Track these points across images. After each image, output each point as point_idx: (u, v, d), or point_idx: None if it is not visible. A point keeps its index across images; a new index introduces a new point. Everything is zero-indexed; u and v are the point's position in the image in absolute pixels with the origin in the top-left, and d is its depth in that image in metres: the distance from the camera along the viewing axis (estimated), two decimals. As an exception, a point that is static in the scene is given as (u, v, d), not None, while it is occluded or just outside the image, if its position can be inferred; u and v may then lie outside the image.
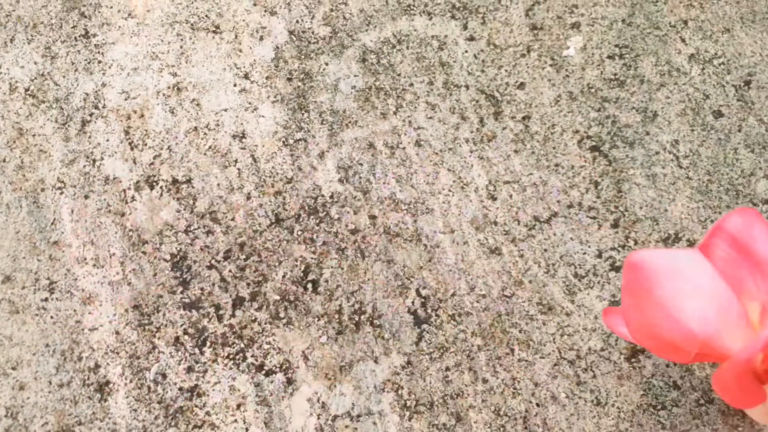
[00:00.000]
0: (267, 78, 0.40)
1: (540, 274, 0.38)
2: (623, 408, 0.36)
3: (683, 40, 0.41)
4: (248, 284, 0.38)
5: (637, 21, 0.41)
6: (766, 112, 0.40)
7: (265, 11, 0.41)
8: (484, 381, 0.36)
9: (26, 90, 0.41)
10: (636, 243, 0.38)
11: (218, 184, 0.39)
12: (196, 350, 0.37)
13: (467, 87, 0.40)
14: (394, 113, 0.39)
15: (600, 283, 0.38)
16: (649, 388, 0.37)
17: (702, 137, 0.40)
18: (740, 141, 0.40)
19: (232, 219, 0.38)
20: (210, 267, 0.38)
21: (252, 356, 0.37)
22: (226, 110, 0.39)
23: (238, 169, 0.39)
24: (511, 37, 0.41)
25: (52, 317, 0.37)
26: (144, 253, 0.38)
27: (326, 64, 0.40)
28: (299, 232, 0.38)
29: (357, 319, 0.37)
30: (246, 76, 0.40)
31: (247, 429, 0.34)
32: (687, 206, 0.39)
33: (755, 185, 0.39)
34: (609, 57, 0.41)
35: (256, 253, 0.38)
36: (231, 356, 0.37)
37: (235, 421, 0.35)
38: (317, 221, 0.38)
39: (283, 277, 0.38)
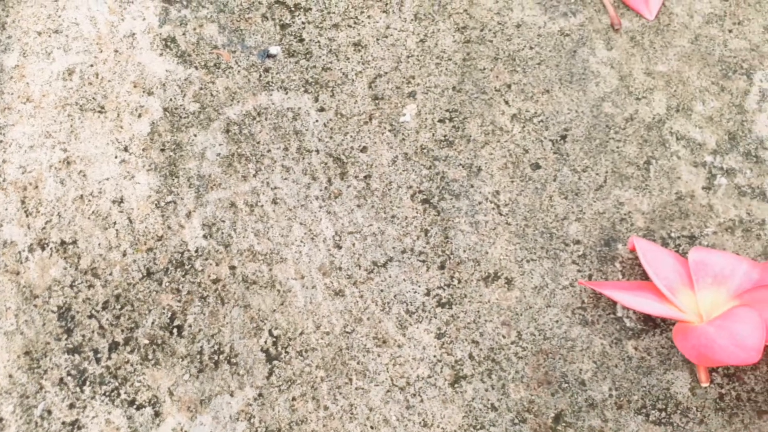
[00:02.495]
0: (143, 150, 0.45)
1: (377, 311, 0.43)
2: (447, 428, 0.41)
3: (507, 102, 0.47)
4: (122, 330, 0.43)
5: (466, 87, 0.47)
6: (579, 163, 0.46)
7: (144, 92, 0.47)
8: (326, 408, 0.41)
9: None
10: (459, 282, 0.43)
11: (99, 244, 0.44)
12: (78, 389, 0.42)
13: (317, 151, 0.46)
14: (254, 176, 0.45)
15: (428, 318, 0.43)
16: (470, 410, 0.41)
17: (521, 187, 0.45)
18: (555, 189, 0.45)
19: (110, 274, 0.43)
20: (90, 316, 0.43)
21: (125, 393, 0.42)
22: (107, 179, 0.45)
23: (116, 230, 0.44)
24: (356, 107, 0.46)
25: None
26: (35, 306, 0.43)
27: (195, 135, 0.46)
28: (167, 284, 0.43)
29: (216, 358, 0.42)
30: (126, 149, 0.46)
31: (117, 458, 0.39)
32: (505, 248, 0.44)
33: (567, 228, 0.45)
34: (440, 121, 0.46)
35: (129, 303, 0.43)
36: (107, 393, 0.42)
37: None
38: (183, 273, 0.43)
39: (152, 323, 0.43)
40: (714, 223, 0.45)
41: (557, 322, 0.43)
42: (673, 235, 0.45)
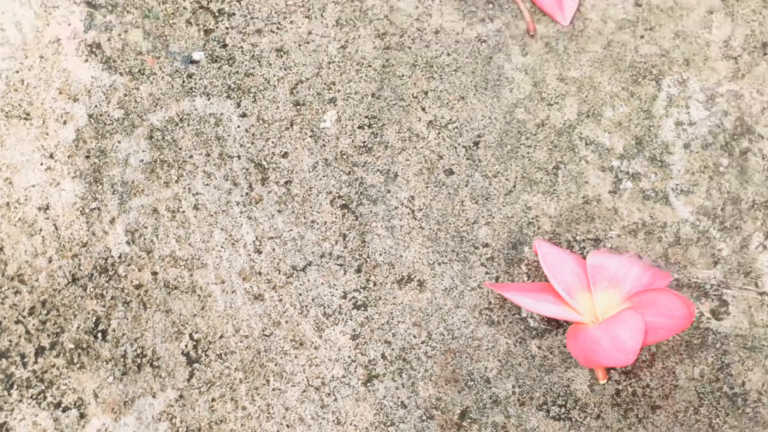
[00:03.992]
0: (69, 157, 0.46)
1: (295, 315, 0.45)
2: (359, 425, 0.43)
3: (423, 109, 0.48)
4: (48, 335, 0.44)
5: (384, 94, 0.48)
6: (490, 168, 0.47)
7: (69, 98, 0.47)
8: (243, 408, 0.43)
9: None
10: (375, 285, 0.45)
11: (25, 251, 0.45)
12: (5, 392, 0.43)
13: (239, 157, 0.47)
14: (176, 182, 0.46)
15: (344, 320, 0.45)
16: (381, 407, 0.44)
17: (434, 193, 0.47)
18: (467, 194, 0.47)
19: (37, 280, 0.45)
20: (17, 322, 0.45)
21: (51, 396, 0.43)
22: (33, 186, 0.46)
23: (42, 236, 0.45)
24: (278, 112, 0.48)
25: None
26: (-35, 310, 0.45)
27: (119, 142, 0.47)
28: (92, 289, 0.45)
29: (139, 361, 0.44)
30: (51, 156, 0.46)
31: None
32: (419, 252, 0.46)
33: (477, 231, 0.46)
34: (359, 127, 0.48)
35: (55, 309, 0.44)
36: (34, 396, 0.43)
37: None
38: (107, 279, 0.45)
39: (78, 328, 0.44)
40: (618, 226, 0.47)
41: (465, 322, 0.45)
42: (578, 238, 0.47)
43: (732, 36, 0.51)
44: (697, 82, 0.50)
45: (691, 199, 0.48)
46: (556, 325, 0.46)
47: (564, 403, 0.44)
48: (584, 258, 0.45)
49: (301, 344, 0.44)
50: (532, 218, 0.47)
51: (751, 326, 0.46)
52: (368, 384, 0.44)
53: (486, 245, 0.46)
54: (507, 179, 0.47)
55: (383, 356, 0.45)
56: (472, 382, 0.44)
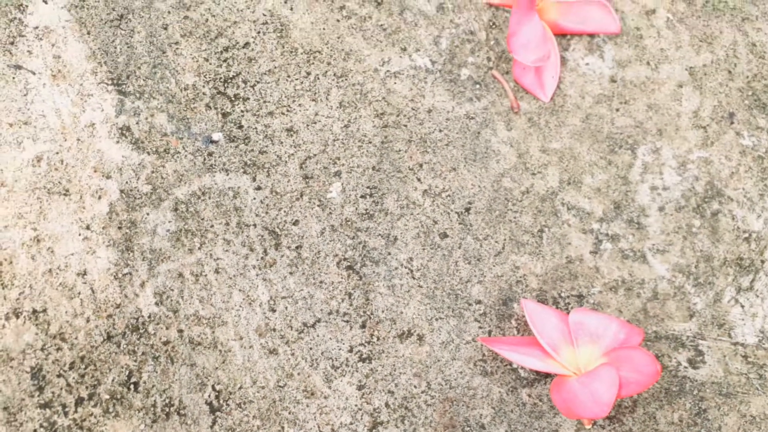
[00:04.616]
0: (103, 228, 0.52)
1: (306, 367, 0.49)
2: (364, 468, 0.47)
3: (419, 179, 0.53)
4: (86, 387, 0.49)
5: (384, 167, 0.53)
6: (481, 232, 0.52)
7: (103, 176, 0.53)
8: (260, 453, 0.48)
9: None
10: (378, 339, 0.50)
11: (66, 312, 0.50)
12: (47, 442, 0.48)
13: (255, 225, 0.52)
14: (199, 248, 0.51)
15: (351, 372, 0.49)
16: (384, 451, 0.48)
17: (431, 254, 0.51)
18: (460, 255, 0.51)
19: (76, 338, 0.50)
20: (59, 375, 0.49)
21: (88, 444, 0.48)
22: (72, 254, 0.51)
23: (81, 299, 0.50)
24: (289, 185, 0.53)
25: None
26: (11, 367, 0.49)
27: (147, 214, 0.52)
28: (125, 346, 0.49)
29: (167, 410, 0.48)
30: (88, 227, 0.52)
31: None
32: (418, 308, 0.50)
33: (470, 289, 0.51)
34: (362, 196, 0.53)
35: (92, 363, 0.49)
36: (73, 445, 0.48)
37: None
38: (138, 336, 0.50)
39: (113, 381, 0.49)
40: (600, 284, 0.51)
41: (461, 373, 0.49)
42: (563, 294, 0.51)
43: (701, 107, 0.55)
44: (669, 150, 0.54)
45: (666, 258, 0.52)
46: (544, 374, 0.50)
47: (552, 447, 0.48)
48: (568, 314, 0.49)
49: (312, 394, 0.49)
50: (521, 277, 0.51)
51: (726, 374, 0.50)
52: (373, 431, 0.48)
53: (479, 302, 0.51)
54: (496, 241, 0.52)
55: (387, 405, 0.49)
56: (469, 428, 0.48)
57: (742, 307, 0.51)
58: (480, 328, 0.50)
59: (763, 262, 0.52)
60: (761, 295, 0.51)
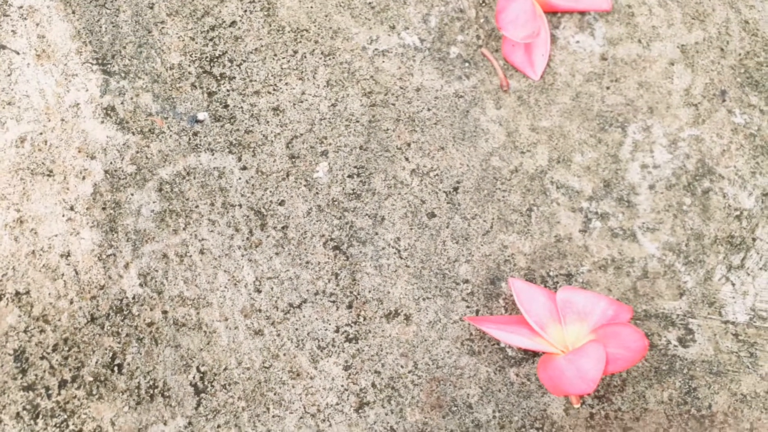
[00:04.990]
0: (87, 209, 0.51)
1: (292, 348, 0.49)
2: (351, 448, 0.47)
3: (407, 159, 0.52)
4: (70, 369, 0.48)
5: (371, 146, 0.53)
6: (469, 211, 0.51)
7: (87, 156, 0.52)
8: (245, 434, 0.47)
9: None
10: (365, 319, 0.49)
11: (49, 294, 0.50)
12: (32, 422, 0.47)
13: (240, 206, 0.51)
14: (183, 229, 0.51)
15: (337, 352, 0.49)
16: None
17: (418, 234, 0.51)
18: (448, 235, 0.51)
19: (59, 320, 0.49)
20: (42, 358, 0.49)
21: (73, 424, 0.47)
22: (56, 236, 0.51)
23: (64, 281, 0.50)
24: (275, 165, 0.52)
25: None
26: (-5, 349, 0.49)
27: (132, 194, 0.51)
28: (108, 327, 0.49)
29: (152, 392, 0.48)
30: (72, 208, 0.51)
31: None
32: (405, 288, 0.50)
33: (458, 269, 0.50)
34: (349, 176, 0.52)
35: (76, 346, 0.49)
36: (58, 425, 0.47)
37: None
38: (122, 318, 0.49)
39: (96, 363, 0.48)
40: (589, 263, 0.51)
41: (448, 352, 0.49)
42: (551, 273, 0.50)
43: (692, 85, 0.55)
44: (660, 128, 0.54)
45: (657, 236, 0.51)
46: (532, 354, 0.49)
47: (541, 426, 0.47)
48: (556, 293, 0.49)
49: (298, 375, 0.48)
50: (509, 256, 0.51)
51: (717, 352, 0.49)
52: (360, 411, 0.47)
53: (466, 281, 0.50)
54: (484, 221, 0.51)
55: (373, 385, 0.48)
56: (456, 408, 0.48)
57: (733, 285, 0.50)
58: (467, 307, 0.50)
59: (754, 240, 0.51)
60: (752, 273, 0.51)
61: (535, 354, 0.49)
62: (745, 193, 0.52)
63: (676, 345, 0.49)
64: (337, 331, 0.49)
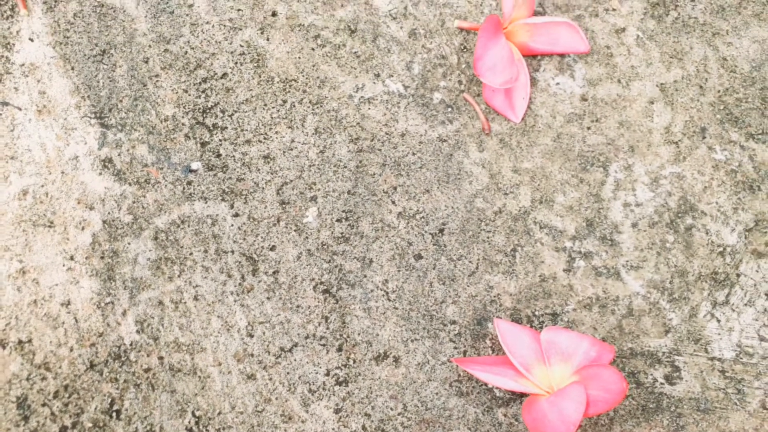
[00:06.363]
0: (86, 258, 0.53)
1: (284, 392, 0.50)
2: (342, 490, 0.48)
3: (393, 202, 0.54)
4: (70, 416, 0.50)
5: (359, 191, 0.54)
6: (455, 252, 0.52)
7: (86, 207, 0.54)
8: (238, 477, 0.48)
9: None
10: (355, 362, 0.50)
11: (50, 341, 0.51)
12: (33, 470, 0.49)
13: (233, 252, 0.53)
14: (178, 276, 0.52)
15: (327, 396, 0.50)
16: (361, 473, 0.48)
17: (406, 276, 0.52)
18: (434, 276, 0.52)
19: (60, 367, 0.51)
20: (44, 405, 0.50)
21: (72, 471, 0.49)
22: (57, 285, 0.52)
23: (65, 329, 0.51)
24: (266, 211, 0.54)
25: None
26: (-2, 397, 0.51)
27: (129, 243, 0.53)
28: (107, 374, 0.50)
29: (147, 437, 0.49)
30: (72, 258, 0.53)
31: None
32: (393, 330, 0.51)
33: (445, 310, 0.51)
34: (338, 220, 0.53)
35: (76, 392, 0.50)
36: (57, 472, 0.49)
37: None
38: (120, 364, 0.50)
39: (95, 409, 0.50)
40: (574, 301, 0.51)
41: (437, 394, 0.50)
42: (537, 313, 0.51)
43: (672, 123, 0.56)
44: (641, 166, 0.55)
45: (641, 274, 0.52)
46: (519, 394, 0.50)
47: (528, 466, 0.48)
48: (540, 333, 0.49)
49: (290, 418, 0.49)
50: (495, 296, 0.52)
51: (704, 389, 0.50)
52: (349, 453, 0.48)
53: (453, 322, 0.51)
54: (470, 262, 0.52)
55: (364, 428, 0.49)
56: (444, 449, 0.49)
57: (718, 321, 0.51)
58: (455, 348, 0.51)
59: (738, 275, 0.52)
60: (737, 309, 0.51)
61: (523, 394, 0.49)
62: (727, 229, 0.53)
63: (663, 383, 0.50)
64: (327, 374, 0.50)
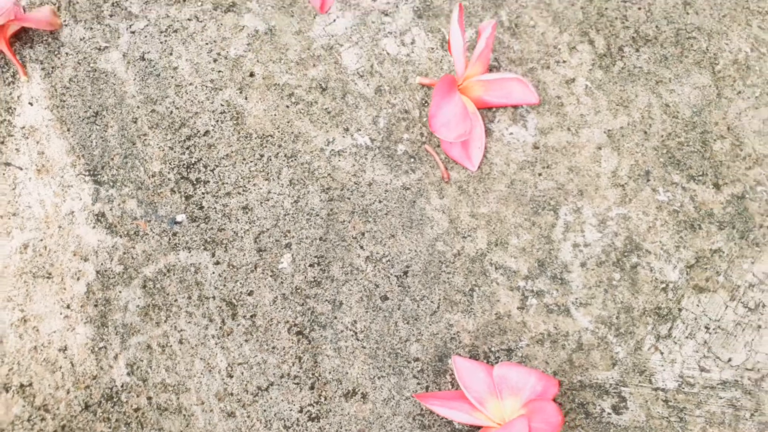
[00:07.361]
0: (81, 306, 0.58)
1: (261, 428, 0.54)
2: None
3: (362, 247, 0.58)
4: (67, 453, 0.54)
5: (330, 237, 0.58)
6: (418, 293, 0.56)
7: (81, 259, 0.59)
8: (220, 507, 0.52)
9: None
10: (326, 399, 0.54)
11: (49, 385, 0.56)
12: (34, 503, 0.54)
13: (214, 298, 0.57)
14: (165, 321, 0.57)
15: (301, 431, 0.54)
16: (331, 501, 0.52)
17: (373, 316, 0.56)
18: (399, 316, 0.56)
19: (58, 408, 0.55)
20: (44, 443, 0.55)
21: (70, 504, 0.53)
22: (55, 332, 0.57)
23: (62, 372, 0.56)
24: (244, 258, 0.58)
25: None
26: (3, 436, 0.55)
27: (120, 292, 0.58)
28: (100, 414, 0.55)
29: (138, 471, 0.54)
30: (68, 307, 0.58)
31: None
32: (361, 368, 0.55)
33: (409, 348, 0.55)
34: (311, 265, 0.58)
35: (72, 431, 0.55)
36: (56, 505, 0.53)
37: None
38: (112, 405, 0.55)
39: (90, 446, 0.55)
40: (527, 337, 0.55)
41: (402, 427, 0.54)
42: (493, 349, 0.55)
43: (619, 167, 0.59)
44: (590, 208, 0.58)
45: (589, 310, 0.56)
46: (477, 427, 0.54)
47: (485, 492, 0.52)
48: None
49: (266, 452, 0.53)
50: (454, 334, 0.56)
51: (648, 418, 0.53)
52: (321, 483, 0.52)
53: (417, 359, 0.55)
54: (432, 302, 0.56)
55: (334, 458, 0.53)
56: (408, 478, 0.52)
57: (662, 354, 0.54)
58: (418, 384, 0.55)
59: (680, 310, 0.55)
60: (679, 342, 0.55)
61: (478, 426, 0.53)
62: (670, 266, 0.56)
63: (610, 413, 0.53)
64: (300, 411, 0.54)
